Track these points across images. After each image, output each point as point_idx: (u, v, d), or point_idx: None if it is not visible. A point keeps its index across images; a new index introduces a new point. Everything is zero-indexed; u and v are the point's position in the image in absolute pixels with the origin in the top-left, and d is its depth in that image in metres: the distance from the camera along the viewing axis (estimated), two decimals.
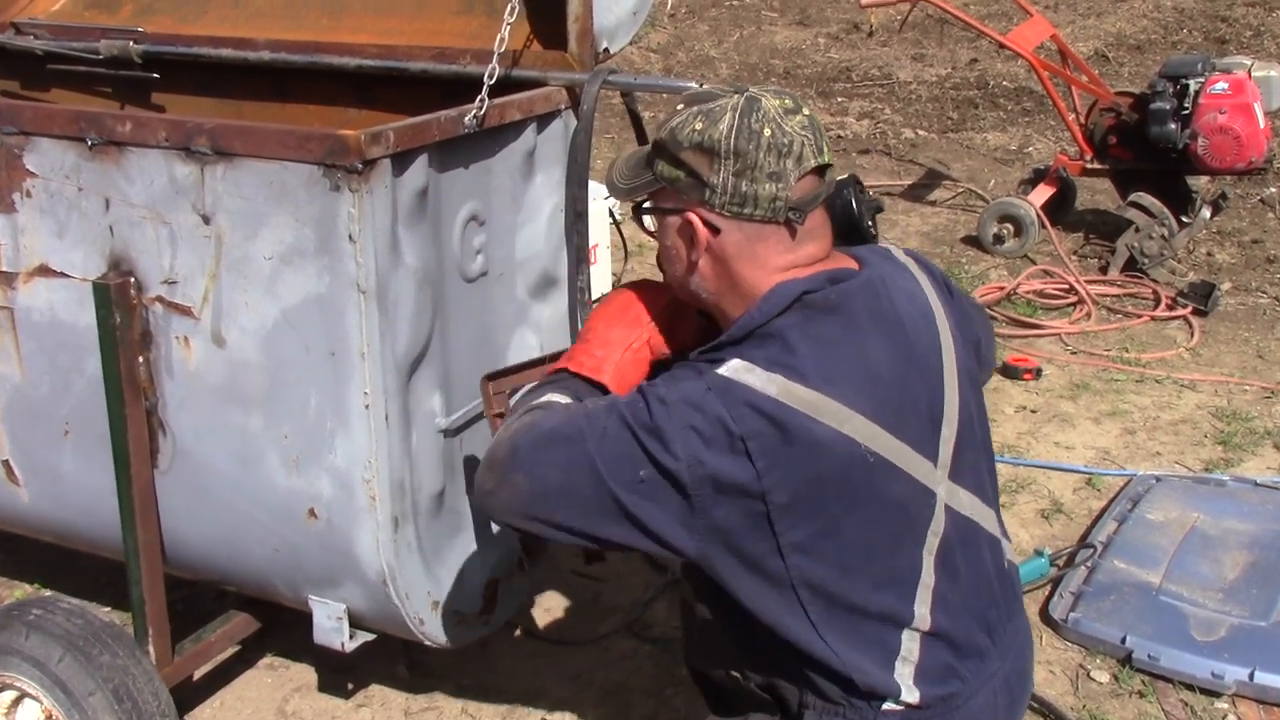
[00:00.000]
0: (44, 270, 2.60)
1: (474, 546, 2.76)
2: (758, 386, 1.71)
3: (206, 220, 2.38)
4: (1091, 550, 3.52)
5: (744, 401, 1.70)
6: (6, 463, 2.83)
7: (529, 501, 1.78)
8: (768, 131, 1.78)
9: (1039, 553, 3.47)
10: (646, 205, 1.96)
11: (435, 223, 2.48)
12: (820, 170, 1.84)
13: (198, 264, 2.42)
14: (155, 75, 3.29)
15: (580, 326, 2.87)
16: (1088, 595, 3.33)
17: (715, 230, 1.84)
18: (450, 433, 2.61)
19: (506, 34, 2.56)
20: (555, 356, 2.27)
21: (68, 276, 2.57)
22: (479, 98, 2.47)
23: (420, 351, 2.45)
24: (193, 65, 3.25)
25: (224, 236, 2.38)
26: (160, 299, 2.48)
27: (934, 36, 10.57)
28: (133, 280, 2.49)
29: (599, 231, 5.85)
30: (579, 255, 2.82)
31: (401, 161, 2.31)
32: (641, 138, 2.96)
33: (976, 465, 1.98)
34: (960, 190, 7.11)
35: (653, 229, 2.02)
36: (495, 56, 2.53)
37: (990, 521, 2.00)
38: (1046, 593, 3.41)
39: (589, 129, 2.73)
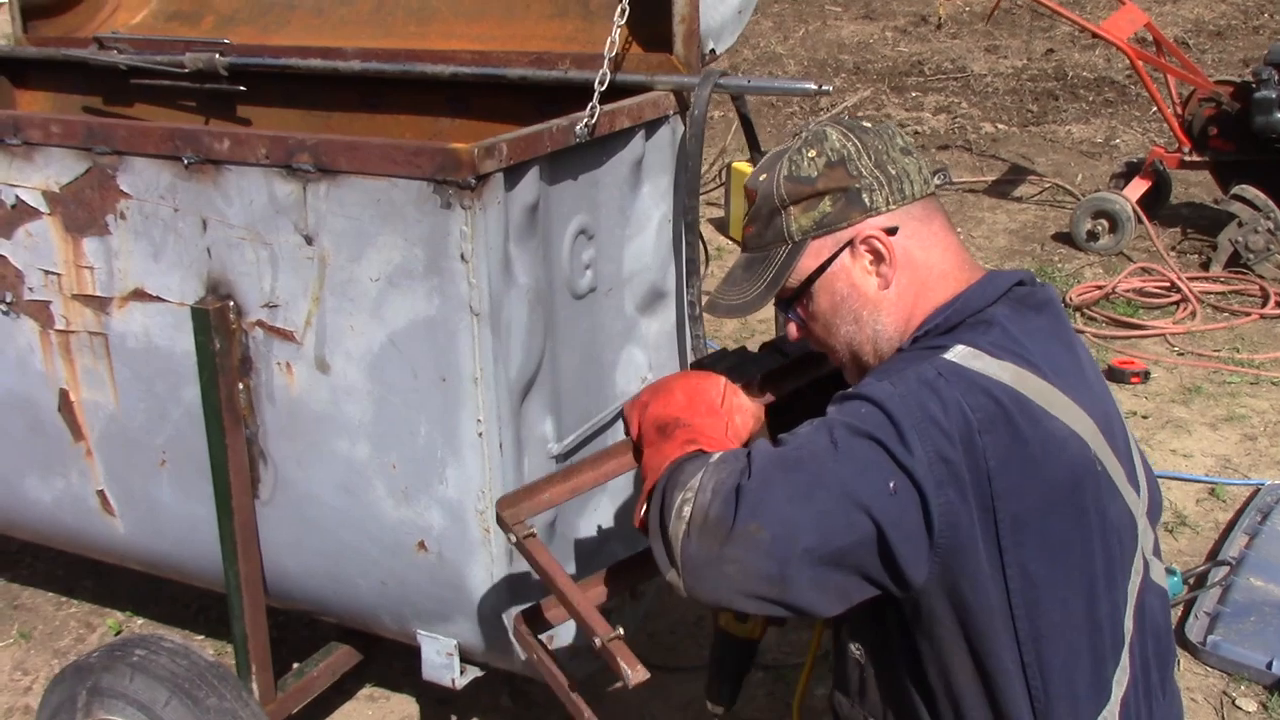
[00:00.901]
0: (139, 294, 2.50)
1: (583, 576, 2.63)
2: (990, 373, 1.53)
3: (309, 241, 2.27)
4: (1225, 567, 3.32)
5: (980, 387, 1.51)
6: (101, 493, 2.74)
7: (773, 552, 1.49)
8: (866, 124, 1.74)
9: (1170, 571, 3.27)
10: (793, 282, 1.74)
11: (545, 238, 2.35)
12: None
13: (300, 287, 2.31)
14: (241, 88, 3.19)
15: (691, 341, 2.74)
16: (1226, 616, 3.14)
17: (892, 230, 1.68)
18: (562, 457, 2.48)
19: (617, 36, 2.42)
20: (564, 474, 2.04)
21: (164, 301, 2.47)
22: (590, 105, 2.34)
23: (533, 374, 2.33)
24: (278, 76, 3.15)
25: (328, 258, 2.26)
26: (261, 323, 2.37)
27: (1005, 27, 10.33)
28: (232, 304, 2.38)
29: None
30: (691, 267, 2.69)
31: (514, 175, 2.18)
32: (753, 142, 2.82)
33: (1154, 508, 1.79)
34: (1047, 185, 6.89)
35: (801, 315, 1.79)
36: (606, 61, 2.40)
37: (1159, 571, 1.81)
38: (1180, 613, 3.22)
39: (700, 134, 2.59)
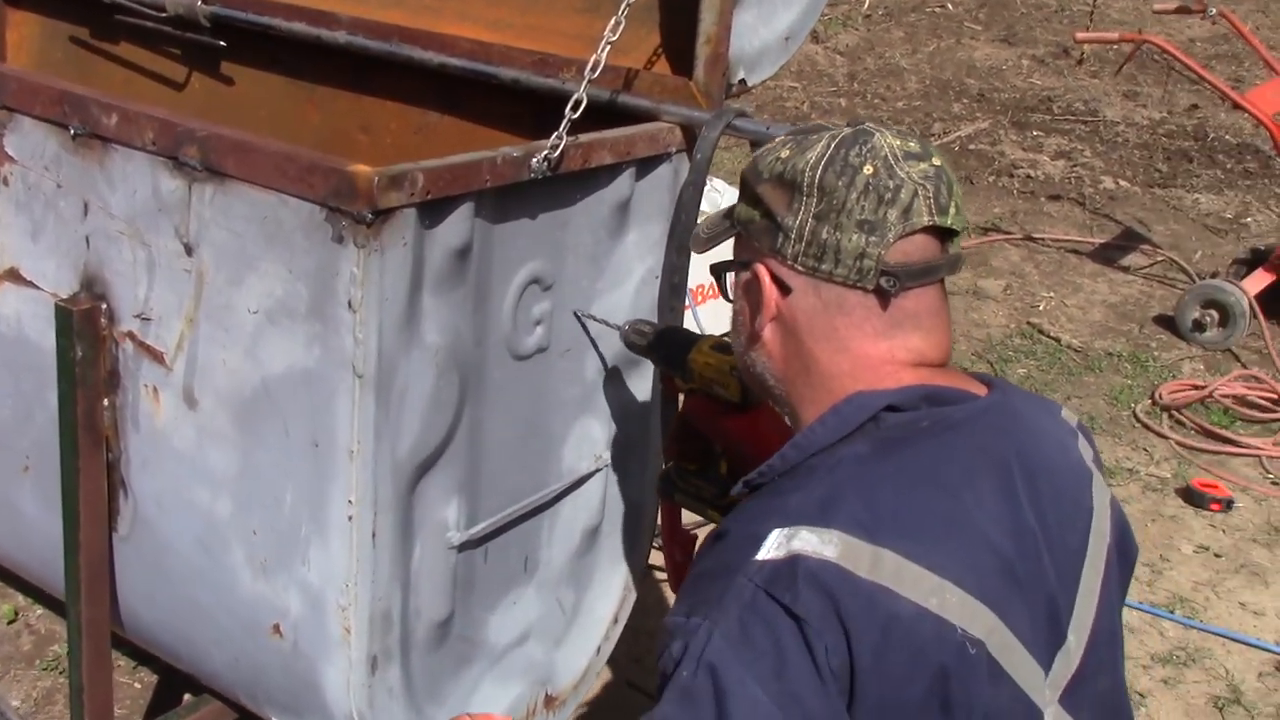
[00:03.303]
0: (14, 276, 2.13)
1: (485, 682, 2.22)
2: (810, 551, 1.27)
3: (189, 250, 1.87)
4: None
5: (803, 579, 1.26)
6: None
7: None
8: (868, 169, 1.37)
9: None
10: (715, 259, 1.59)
11: (480, 286, 1.93)
12: (940, 235, 1.40)
13: (175, 302, 1.92)
14: (221, 43, 2.82)
15: (663, 418, 2.32)
16: None
17: (786, 289, 1.42)
18: (468, 546, 2.06)
19: (604, 56, 1.97)
20: None
21: (37, 288, 2.10)
22: (555, 134, 1.90)
23: (435, 450, 1.91)
24: (265, 36, 2.76)
25: (206, 274, 1.86)
26: (132, 335, 1.99)
27: (1151, 73, 9.59)
28: (105, 307, 2.00)
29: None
30: None
31: (435, 211, 1.76)
32: None
33: (1105, 699, 1.46)
34: (1159, 259, 6.26)
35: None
36: (584, 82, 1.95)
37: None
38: None
39: (701, 182, 2.14)
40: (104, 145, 1.93)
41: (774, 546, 1.29)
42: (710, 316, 5.19)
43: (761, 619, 1.26)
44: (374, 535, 1.83)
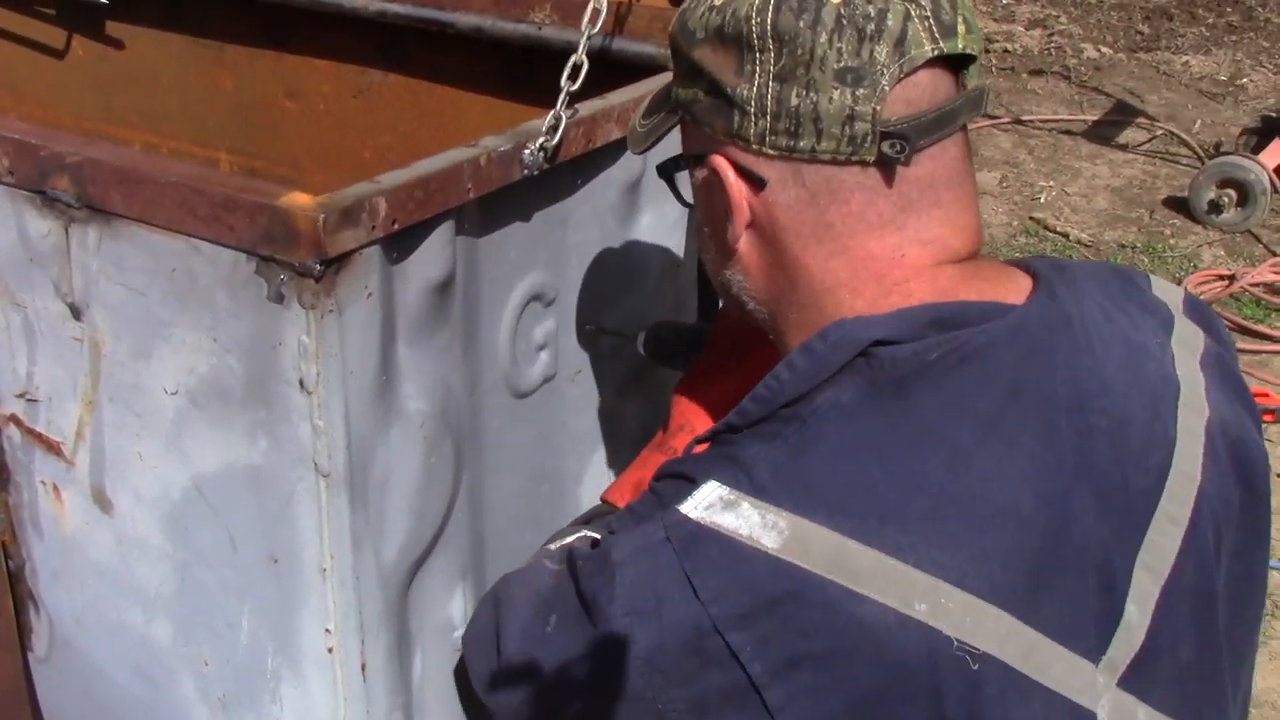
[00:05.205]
0: None
1: None
2: (744, 535, 1.01)
3: (76, 313, 1.40)
4: None
5: (722, 567, 1.01)
6: None
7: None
8: None
9: None
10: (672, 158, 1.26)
11: (469, 319, 1.47)
12: (951, 64, 1.06)
13: (67, 379, 1.45)
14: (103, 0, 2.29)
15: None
16: None
17: (758, 183, 1.10)
18: None
19: (604, 1, 1.49)
20: None
21: None
22: (550, 114, 1.43)
23: (429, 543, 1.47)
24: None
25: (102, 344, 1.40)
26: (16, 420, 1.52)
27: None
28: None
29: None
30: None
31: (402, 242, 1.30)
32: None
33: (1189, 671, 1.13)
34: (1158, 132, 5.83)
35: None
36: (583, 39, 1.47)
37: None
38: None
39: None
40: None
41: (704, 504, 1.04)
42: None
43: (656, 592, 1.04)
44: (364, 667, 1.41)
